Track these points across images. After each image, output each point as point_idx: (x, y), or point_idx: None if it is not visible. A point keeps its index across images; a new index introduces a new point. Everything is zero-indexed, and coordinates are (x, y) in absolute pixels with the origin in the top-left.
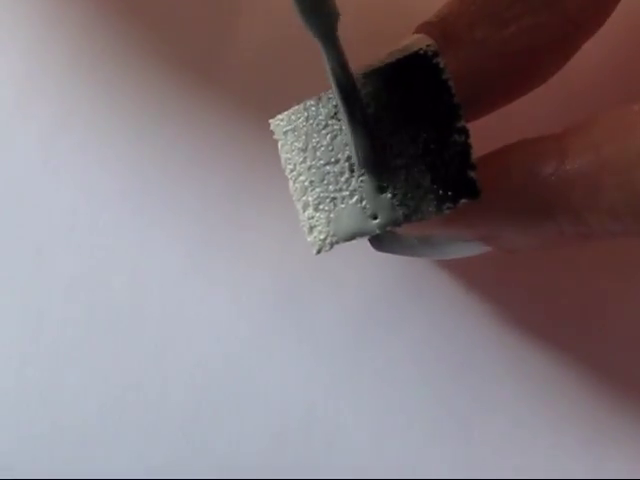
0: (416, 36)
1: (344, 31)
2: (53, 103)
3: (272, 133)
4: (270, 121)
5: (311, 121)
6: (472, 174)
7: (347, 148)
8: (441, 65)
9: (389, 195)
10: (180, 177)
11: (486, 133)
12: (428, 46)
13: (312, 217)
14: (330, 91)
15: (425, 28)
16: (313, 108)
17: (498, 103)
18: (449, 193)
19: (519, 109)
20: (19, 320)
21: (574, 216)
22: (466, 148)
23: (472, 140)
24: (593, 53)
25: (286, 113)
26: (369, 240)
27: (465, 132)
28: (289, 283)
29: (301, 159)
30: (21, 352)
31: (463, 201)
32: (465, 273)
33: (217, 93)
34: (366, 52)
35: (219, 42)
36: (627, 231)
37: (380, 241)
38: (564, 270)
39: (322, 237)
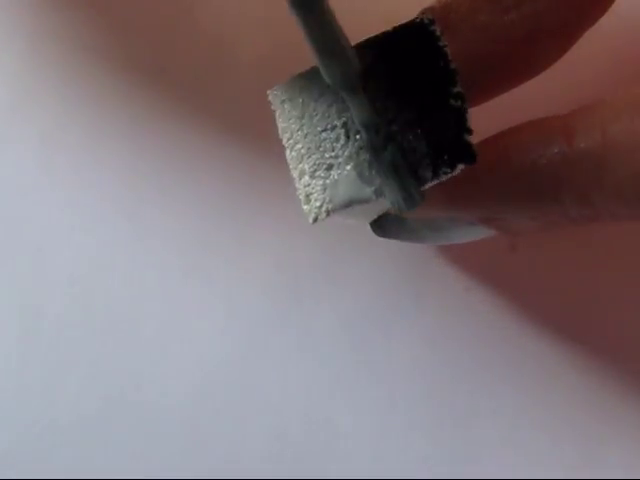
0: None
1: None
2: (53, 103)
3: (271, 127)
4: (268, 92)
5: (307, 90)
6: (468, 138)
7: (343, 115)
8: (437, 33)
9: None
10: (180, 176)
11: (487, 119)
12: (424, 13)
13: (308, 185)
14: None
15: (427, 13)
16: (309, 77)
17: (499, 89)
18: (445, 157)
19: (521, 95)
20: (18, 319)
21: (579, 197)
22: (462, 112)
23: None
24: (596, 40)
25: (283, 84)
26: (371, 226)
27: (461, 97)
28: (289, 283)
29: (298, 127)
30: (20, 352)
31: (460, 166)
32: (465, 271)
33: (217, 92)
34: None
35: (220, 40)
36: (631, 213)
37: (382, 226)
38: (565, 268)
39: (318, 204)
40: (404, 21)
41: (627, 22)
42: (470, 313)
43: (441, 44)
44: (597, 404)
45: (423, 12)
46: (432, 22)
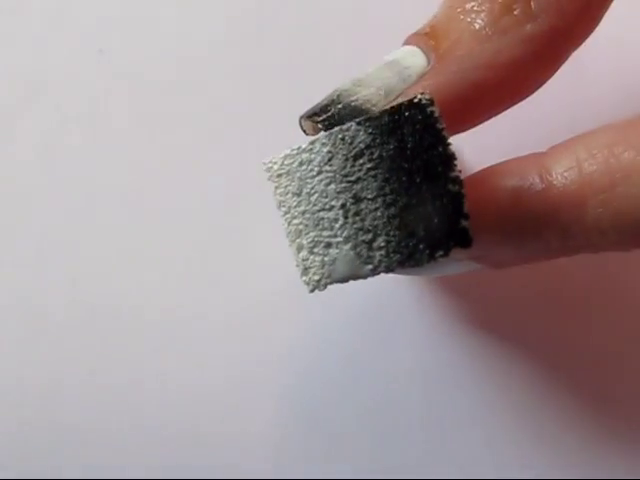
0: (406, 48)
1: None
2: (54, 103)
3: (273, 127)
4: (263, 162)
5: (305, 166)
6: (465, 223)
7: (341, 195)
8: (436, 114)
9: (382, 243)
10: (180, 176)
11: (476, 145)
12: (422, 94)
13: (307, 259)
14: (323, 136)
15: (415, 39)
16: (307, 154)
17: (488, 113)
18: (442, 242)
19: (509, 120)
20: (19, 320)
21: (561, 233)
22: (460, 198)
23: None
24: (581, 65)
25: (280, 156)
26: None
27: (459, 182)
28: (289, 283)
29: (295, 203)
30: (21, 352)
31: (456, 250)
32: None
33: (218, 93)
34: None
35: (220, 43)
36: (613, 245)
37: None
38: (564, 267)
39: (317, 278)
40: (402, 99)
41: (614, 46)
42: (470, 313)
43: (439, 126)
44: (597, 403)
45: (412, 40)
46: (431, 102)
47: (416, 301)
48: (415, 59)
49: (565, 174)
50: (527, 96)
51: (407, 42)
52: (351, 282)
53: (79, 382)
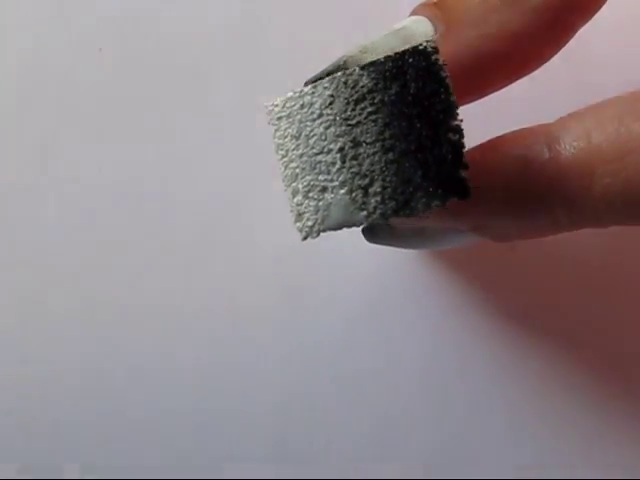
0: (414, 18)
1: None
2: (53, 102)
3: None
4: (265, 104)
5: (306, 109)
6: (464, 173)
7: (340, 139)
8: (440, 62)
9: (378, 189)
10: (180, 174)
11: (481, 119)
12: (428, 42)
13: (301, 204)
14: (327, 80)
15: (423, 9)
16: (308, 96)
17: (495, 85)
18: (439, 191)
19: (514, 96)
20: (19, 318)
21: (568, 204)
22: (459, 147)
23: (466, 137)
24: (589, 41)
25: (281, 99)
26: (362, 231)
27: (460, 131)
28: (289, 283)
29: (294, 146)
30: (21, 349)
31: (453, 200)
32: (466, 271)
33: (216, 86)
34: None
35: (220, 41)
36: (620, 218)
37: (373, 232)
38: (564, 267)
39: (310, 224)
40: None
41: (625, 21)
42: (470, 312)
43: (443, 74)
44: (597, 403)
45: (420, 9)
46: (436, 50)
47: (417, 301)
48: (423, 28)
49: (574, 143)
50: (533, 69)
51: (415, 12)
52: (351, 276)
53: (79, 377)
